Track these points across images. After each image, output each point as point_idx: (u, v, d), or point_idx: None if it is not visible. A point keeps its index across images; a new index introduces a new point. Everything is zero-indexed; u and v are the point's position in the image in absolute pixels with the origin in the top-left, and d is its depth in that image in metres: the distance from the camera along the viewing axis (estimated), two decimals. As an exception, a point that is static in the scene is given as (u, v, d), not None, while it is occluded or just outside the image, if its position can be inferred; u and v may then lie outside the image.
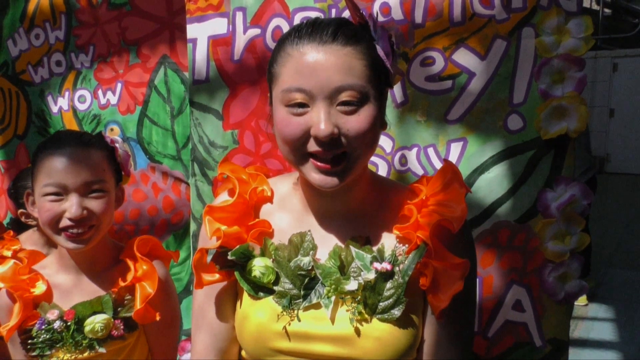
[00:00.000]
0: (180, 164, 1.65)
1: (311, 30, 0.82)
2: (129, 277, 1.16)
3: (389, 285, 0.86)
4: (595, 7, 9.73)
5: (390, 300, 0.85)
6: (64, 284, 1.16)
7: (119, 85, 1.66)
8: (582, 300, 3.81)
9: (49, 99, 1.75)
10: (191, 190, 1.51)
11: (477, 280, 1.22)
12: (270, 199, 0.96)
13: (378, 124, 0.84)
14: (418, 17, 1.30)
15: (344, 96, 0.79)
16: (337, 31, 0.81)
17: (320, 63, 0.79)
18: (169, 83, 1.63)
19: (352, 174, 0.83)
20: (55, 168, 1.09)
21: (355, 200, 0.91)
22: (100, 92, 1.69)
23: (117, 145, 1.20)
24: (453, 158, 1.31)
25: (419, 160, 1.35)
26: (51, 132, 1.75)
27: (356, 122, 0.80)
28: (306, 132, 0.80)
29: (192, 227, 1.52)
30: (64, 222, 1.09)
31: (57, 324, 1.12)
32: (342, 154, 0.81)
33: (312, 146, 0.80)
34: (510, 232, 1.29)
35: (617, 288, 4.19)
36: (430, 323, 0.88)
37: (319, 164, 0.81)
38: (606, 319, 3.63)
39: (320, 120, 0.78)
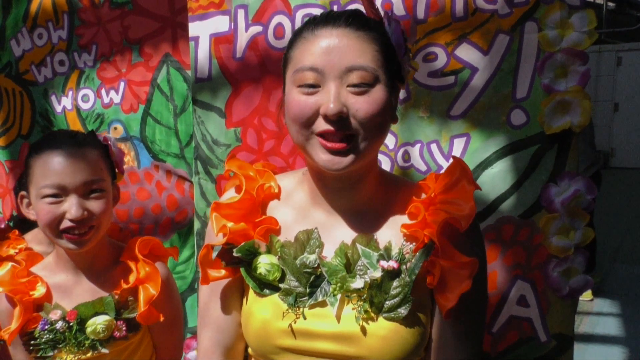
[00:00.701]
0: (183, 162, 1.65)
1: (326, 17, 0.84)
2: (131, 278, 1.16)
3: (395, 283, 0.85)
4: (599, 0, 9.67)
5: (397, 298, 0.84)
6: (64, 285, 1.16)
7: (122, 84, 1.67)
8: (587, 295, 3.80)
9: (53, 98, 1.75)
10: (194, 189, 1.51)
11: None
12: (277, 196, 0.96)
13: (388, 110, 0.83)
14: (420, 13, 1.30)
15: (355, 76, 0.80)
16: (350, 17, 0.83)
17: (332, 43, 0.81)
18: (172, 81, 1.63)
19: (360, 158, 0.83)
20: (53, 169, 1.08)
21: (363, 196, 0.90)
22: (103, 91, 1.69)
23: (110, 143, 1.20)
24: (456, 154, 1.31)
25: (422, 157, 1.34)
26: (55, 131, 1.75)
27: (366, 103, 0.80)
28: (316, 111, 0.81)
29: (196, 225, 1.52)
30: (65, 224, 1.08)
31: (59, 325, 1.12)
32: (351, 136, 0.81)
33: (321, 125, 0.81)
34: (514, 227, 1.29)
35: (622, 283, 4.18)
36: (439, 322, 0.88)
37: (327, 143, 0.81)
38: (611, 314, 3.62)
39: (329, 99, 0.79)
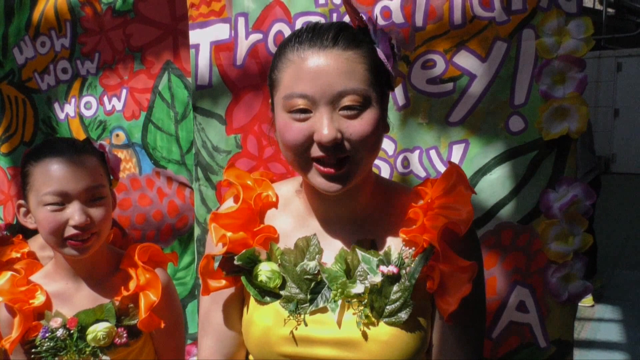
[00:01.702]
0: (184, 168, 1.66)
1: (311, 35, 0.82)
2: (132, 285, 1.16)
3: (395, 288, 0.86)
4: (598, 6, 9.70)
5: (397, 303, 0.85)
6: (64, 292, 1.17)
7: (124, 91, 1.68)
8: (588, 301, 3.79)
9: (56, 105, 1.77)
10: (195, 195, 1.52)
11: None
12: (275, 204, 0.97)
13: (381, 128, 0.84)
14: (419, 21, 1.31)
15: (347, 101, 0.80)
16: (337, 36, 0.82)
17: (321, 68, 0.80)
18: (173, 89, 1.64)
19: (355, 178, 0.84)
20: (54, 175, 1.08)
21: (360, 205, 0.91)
22: (105, 99, 1.70)
23: (105, 150, 1.21)
24: (455, 160, 1.32)
25: (421, 163, 1.35)
26: (58, 138, 1.75)
27: (359, 125, 0.80)
28: (309, 137, 0.81)
29: (196, 231, 1.53)
30: (69, 231, 1.08)
31: (60, 332, 1.12)
32: (346, 157, 0.82)
33: (316, 151, 0.81)
34: (513, 233, 1.30)
35: (624, 288, 4.17)
36: (439, 326, 0.88)
37: (322, 168, 0.81)
38: (613, 320, 3.61)
39: (323, 125, 0.79)
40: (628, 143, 9.36)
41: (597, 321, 3.59)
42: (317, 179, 0.83)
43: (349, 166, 0.82)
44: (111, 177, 1.22)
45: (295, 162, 0.84)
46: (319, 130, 0.79)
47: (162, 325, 1.16)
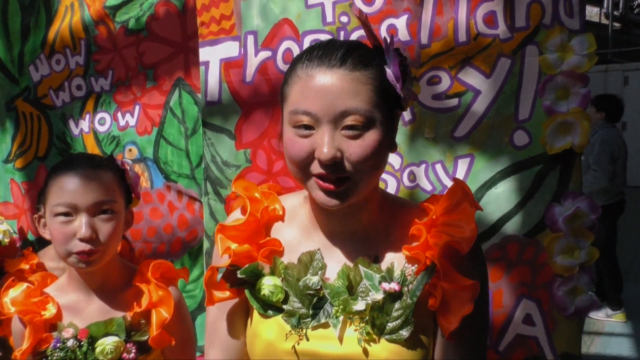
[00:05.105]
0: (194, 183, 1.69)
1: (321, 53, 0.84)
2: (144, 301, 1.17)
3: (397, 305, 0.86)
4: (604, 21, 9.73)
5: (399, 321, 0.85)
6: (76, 305, 1.18)
7: (137, 107, 1.71)
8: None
9: (70, 121, 1.81)
10: (204, 209, 1.54)
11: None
12: (281, 218, 0.97)
13: (383, 149, 0.84)
14: (424, 38, 1.34)
15: (349, 120, 0.81)
16: (346, 55, 0.82)
17: (326, 87, 0.81)
18: (184, 104, 1.68)
19: (353, 197, 0.84)
20: (66, 188, 1.11)
21: (365, 220, 0.92)
22: (119, 115, 1.74)
23: (127, 167, 1.23)
24: (460, 174, 1.34)
25: (427, 177, 1.37)
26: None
27: (359, 147, 0.81)
28: (311, 153, 0.82)
29: (205, 244, 1.55)
30: (75, 244, 1.10)
31: (70, 342, 1.13)
32: (345, 177, 0.82)
33: (316, 168, 0.82)
34: (519, 246, 1.31)
35: (634, 302, 4.12)
36: (441, 344, 0.88)
37: (322, 183, 0.82)
38: (623, 334, 3.57)
39: (323, 143, 0.80)
40: (636, 156, 9.29)
41: (607, 335, 3.55)
42: (316, 193, 0.84)
43: (349, 185, 0.83)
44: (132, 196, 1.24)
45: (298, 175, 0.86)
46: (319, 148, 0.81)
47: (173, 342, 1.17)
